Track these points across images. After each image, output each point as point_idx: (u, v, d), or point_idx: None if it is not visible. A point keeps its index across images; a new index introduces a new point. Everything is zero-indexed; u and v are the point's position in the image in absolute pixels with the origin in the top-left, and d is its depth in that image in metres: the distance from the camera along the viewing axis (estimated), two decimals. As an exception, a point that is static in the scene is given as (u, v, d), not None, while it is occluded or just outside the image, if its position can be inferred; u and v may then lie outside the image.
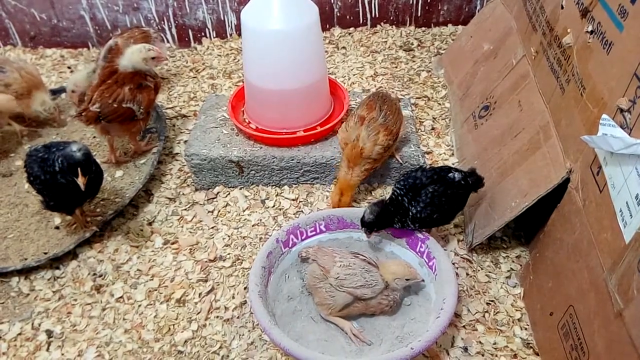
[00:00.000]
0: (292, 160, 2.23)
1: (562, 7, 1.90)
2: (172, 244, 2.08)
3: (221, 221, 2.17)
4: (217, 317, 1.82)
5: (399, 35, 3.38)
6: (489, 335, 1.73)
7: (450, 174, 1.84)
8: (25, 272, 1.98)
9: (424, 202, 1.79)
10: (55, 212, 2.09)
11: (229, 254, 2.03)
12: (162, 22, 3.31)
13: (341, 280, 1.68)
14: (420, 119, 2.66)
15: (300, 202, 2.24)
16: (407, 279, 1.71)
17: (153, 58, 2.23)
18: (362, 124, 2.06)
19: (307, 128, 2.28)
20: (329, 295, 1.69)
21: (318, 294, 1.73)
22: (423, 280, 1.76)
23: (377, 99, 2.15)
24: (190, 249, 2.06)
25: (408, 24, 3.47)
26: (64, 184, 1.84)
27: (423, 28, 3.45)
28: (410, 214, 1.80)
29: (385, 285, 1.69)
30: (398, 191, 1.83)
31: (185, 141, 2.49)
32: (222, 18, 3.33)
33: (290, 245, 1.90)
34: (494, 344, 1.70)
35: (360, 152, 2.03)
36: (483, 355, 1.68)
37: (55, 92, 2.80)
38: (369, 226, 1.81)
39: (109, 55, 2.56)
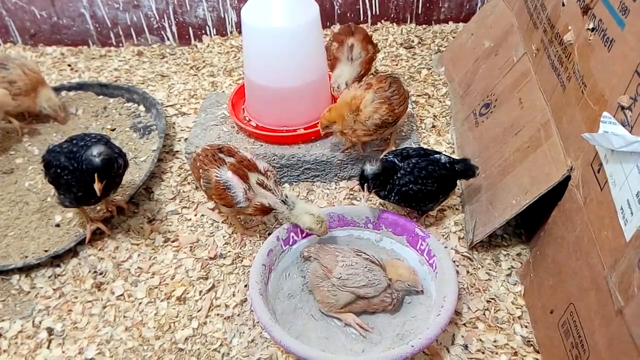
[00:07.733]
0: (293, 158, 2.22)
1: (563, 5, 1.90)
2: (173, 241, 2.08)
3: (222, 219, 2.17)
4: (218, 314, 1.82)
5: (399, 32, 3.38)
6: (490, 333, 1.73)
7: (437, 155, 1.92)
8: (26, 269, 1.98)
9: (405, 170, 1.85)
10: (80, 205, 1.99)
11: (229, 251, 2.03)
12: (162, 20, 3.30)
13: (344, 280, 1.68)
14: (420, 116, 2.66)
15: (300, 199, 2.23)
16: (409, 284, 1.72)
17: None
18: (369, 89, 2.06)
19: (307, 126, 2.28)
20: (331, 295, 1.69)
21: (320, 293, 1.73)
22: (422, 292, 1.76)
23: (388, 77, 2.15)
24: (191, 246, 2.06)
25: (409, 22, 3.46)
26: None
27: (424, 25, 3.45)
28: (393, 180, 1.85)
29: (388, 283, 1.70)
30: (391, 156, 1.90)
31: (186, 139, 2.48)
32: (223, 15, 3.33)
33: (290, 243, 1.90)
34: (495, 341, 1.70)
35: (357, 111, 2.01)
36: (483, 353, 1.68)
37: (57, 90, 2.80)
38: (373, 179, 1.78)
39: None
